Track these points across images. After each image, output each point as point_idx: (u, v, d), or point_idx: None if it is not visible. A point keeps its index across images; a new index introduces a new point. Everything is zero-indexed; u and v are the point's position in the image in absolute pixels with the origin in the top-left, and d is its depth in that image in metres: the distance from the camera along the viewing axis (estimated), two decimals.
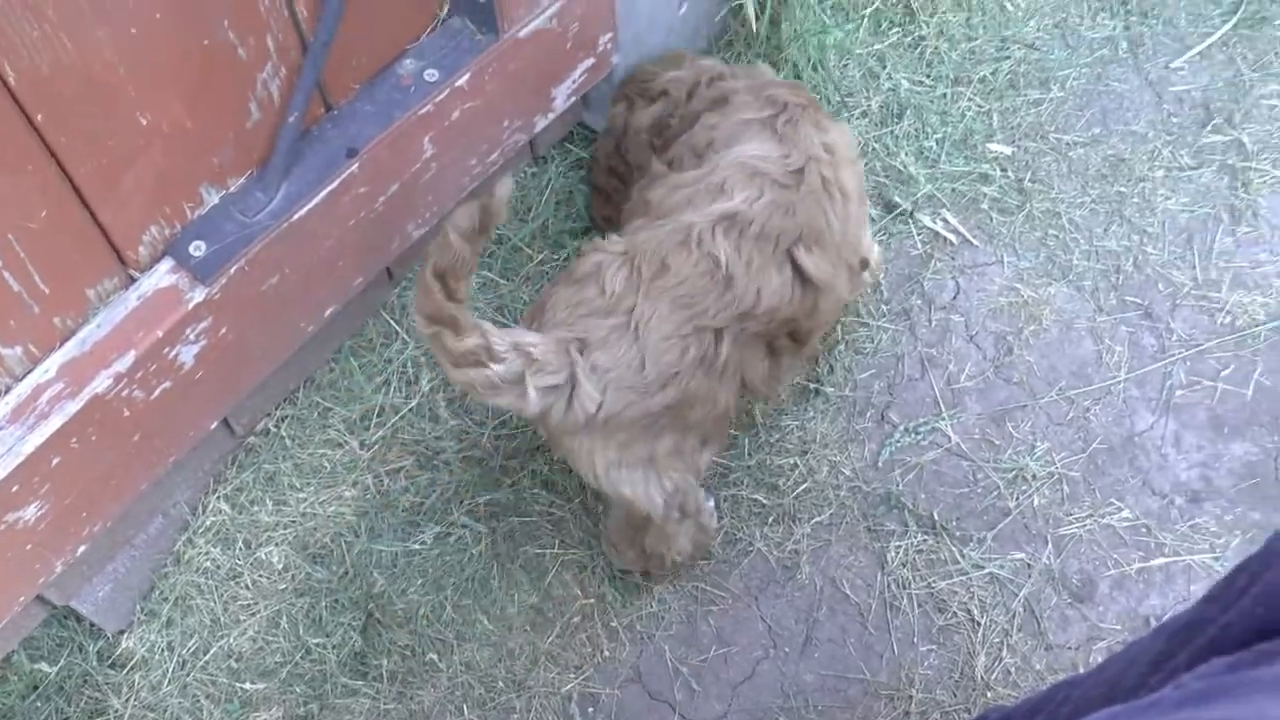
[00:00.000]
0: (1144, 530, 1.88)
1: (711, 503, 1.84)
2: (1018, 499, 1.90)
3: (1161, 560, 1.86)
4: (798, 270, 1.52)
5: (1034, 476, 1.92)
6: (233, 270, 1.50)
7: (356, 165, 1.60)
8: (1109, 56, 2.33)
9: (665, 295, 1.43)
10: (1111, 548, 1.87)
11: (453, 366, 1.37)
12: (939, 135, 2.20)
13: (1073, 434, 1.96)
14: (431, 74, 1.68)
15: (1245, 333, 2.03)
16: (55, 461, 1.45)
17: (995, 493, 1.91)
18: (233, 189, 1.55)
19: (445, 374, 1.42)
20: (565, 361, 1.40)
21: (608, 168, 1.98)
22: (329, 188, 1.58)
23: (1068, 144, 2.22)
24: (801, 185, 1.54)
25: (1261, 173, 2.19)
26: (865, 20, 2.27)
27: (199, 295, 1.49)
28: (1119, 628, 1.81)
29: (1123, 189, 2.17)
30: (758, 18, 2.06)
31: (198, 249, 1.49)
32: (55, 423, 1.42)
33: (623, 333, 1.41)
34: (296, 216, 1.55)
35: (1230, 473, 1.92)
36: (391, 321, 2.03)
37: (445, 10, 1.74)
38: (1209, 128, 2.23)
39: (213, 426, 1.70)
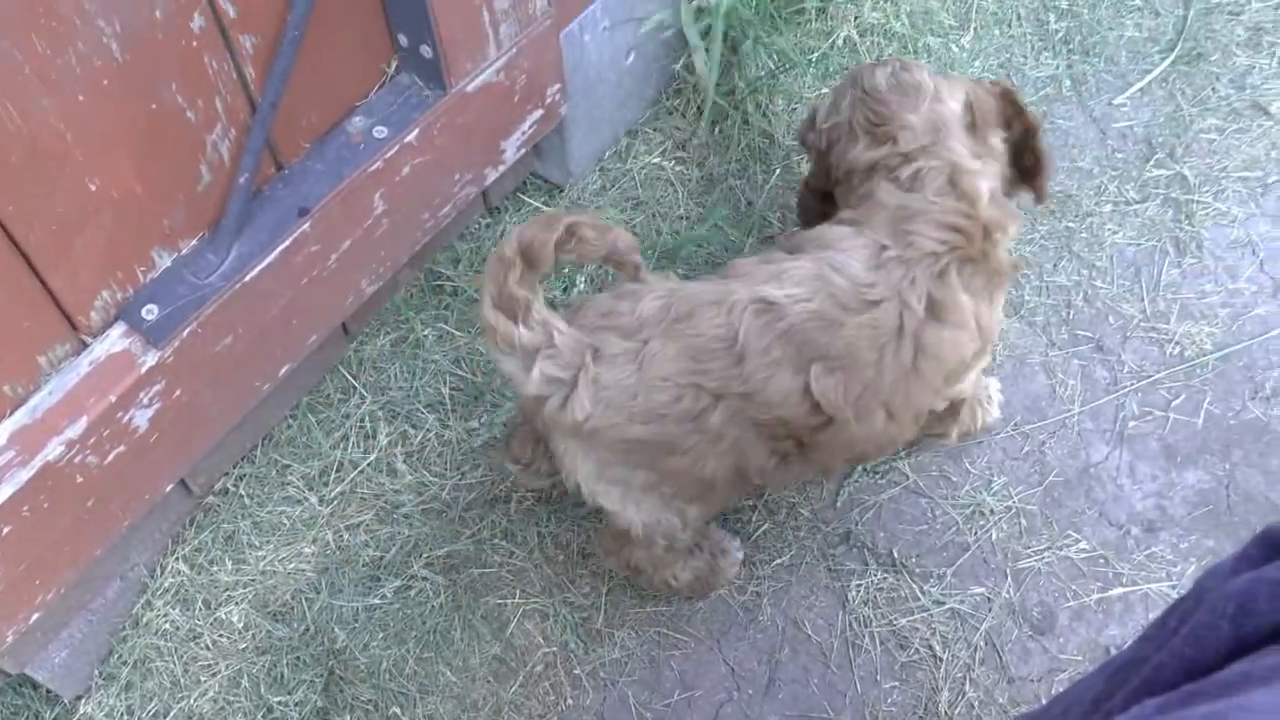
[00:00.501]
0: (1102, 561, 1.94)
1: (739, 550, 1.89)
2: (976, 534, 1.96)
3: (1120, 590, 1.91)
4: (807, 386, 1.51)
5: (992, 511, 1.97)
6: (185, 333, 1.54)
7: (308, 224, 1.65)
8: (1053, 95, 2.42)
9: (679, 340, 1.48)
10: (1070, 579, 1.92)
11: (491, 304, 1.45)
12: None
13: (1029, 468, 2.02)
14: (381, 131, 1.74)
15: (1194, 362, 2.11)
16: (6, 530, 1.48)
17: (954, 529, 1.96)
18: (185, 251, 1.60)
19: (481, 311, 1.49)
20: (577, 362, 1.46)
21: (812, 195, 1.96)
22: (281, 247, 1.62)
23: None
24: (866, 314, 1.51)
25: (1204, 205, 2.27)
26: (813, 66, 2.35)
27: (151, 359, 1.52)
28: (1080, 658, 1.86)
29: (1071, 224, 2.25)
30: (707, 66, 2.14)
31: (150, 312, 1.54)
32: (6, 491, 1.45)
33: (631, 358, 1.47)
34: (249, 277, 1.60)
35: (1184, 501, 1.99)
36: (349, 377, 2.07)
37: (393, 67, 1.80)
38: (1152, 162, 2.32)
39: (169, 489, 1.73)
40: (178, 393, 1.59)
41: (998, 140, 1.74)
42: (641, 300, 1.50)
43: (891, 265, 1.53)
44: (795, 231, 1.77)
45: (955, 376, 1.64)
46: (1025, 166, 1.79)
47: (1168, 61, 2.45)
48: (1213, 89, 2.42)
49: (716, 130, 2.27)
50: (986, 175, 1.65)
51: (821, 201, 1.89)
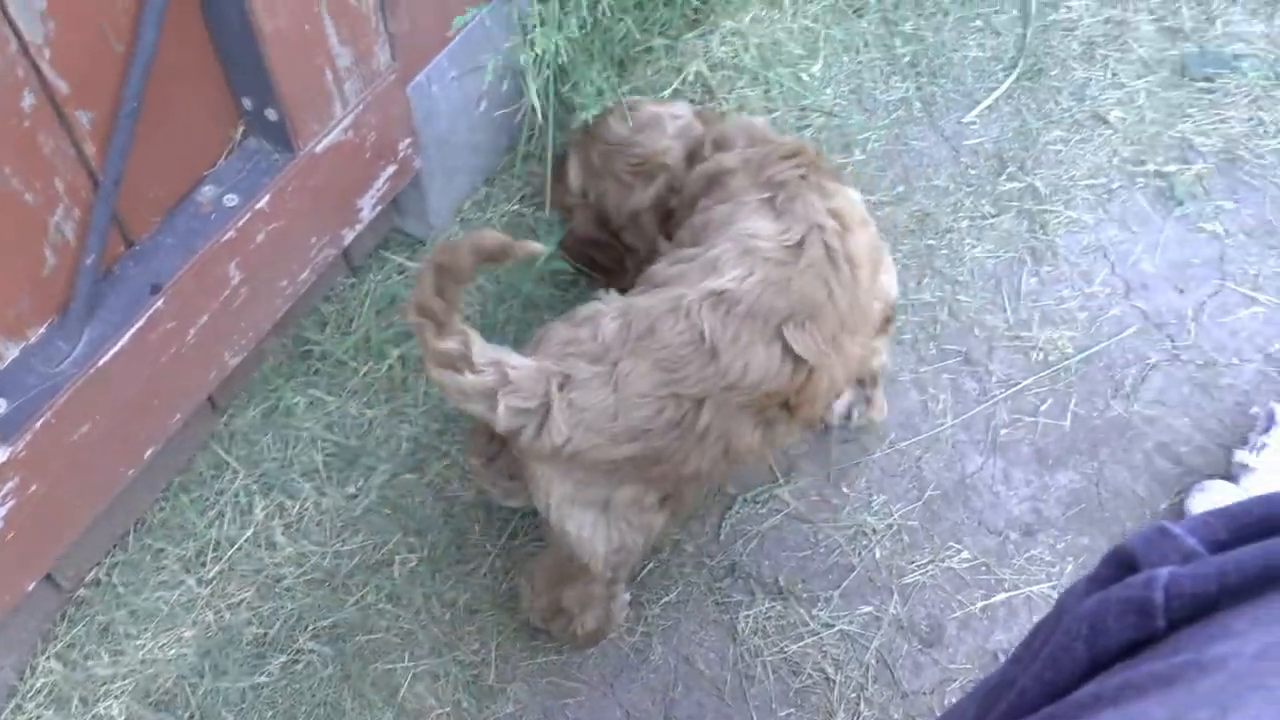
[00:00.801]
0: (984, 569, 2.01)
1: (627, 596, 1.92)
2: (860, 554, 2.02)
3: (1003, 595, 1.99)
4: (788, 348, 1.58)
5: (874, 530, 2.04)
6: (38, 424, 1.52)
7: (162, 301, 1.64)
8: (905, 117, 2.52)
9: (648, 356, 1.52)
10: (955, 590, 1.99)
11: (433, 364, 1.49)
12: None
13: (907, 484, 2.09)
14: (231, 199, 1.74)
15: (1058, 367, 2.21)
16: None
17: (838, 551, 2.02)
18: (33, 340, 1.57)
19: (428, 372, 1.53)
20: (541, 390, 1.50)
21: (588, 244, 2.10)
22: (135, 327, 1.61)
23: (875, 204, 2.38)
24: (800, 259, 1.61)
25: (1056, 214, 2.38)
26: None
27: (2, 455, 1.50)
28: (970, 666, 1.92)
29: (931, 242, 2.34)
30: (544, 114, 2.17)
31: None
32: None
33: (604, 380, 1.51)
34: (103, 361, 1.58)
35: (1058, 502, 2.08)
36: (220, 452, 2.06)
37: (240, 132, 1.80)
38: (1004, 176, 2.43)
39: (31, 587, 1.69)
40: (33, 487, 1.56)
41: None
42: (600, 324, 1.56)
43: (784, 204, 1.67)
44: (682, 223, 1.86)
45: (878, 269, 1.77)
46: None
47: (1011, 78, 2.57)
48: (1055, 102, 2.54)
49: None
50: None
51: (595, 248, 2.09)
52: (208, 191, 1.74)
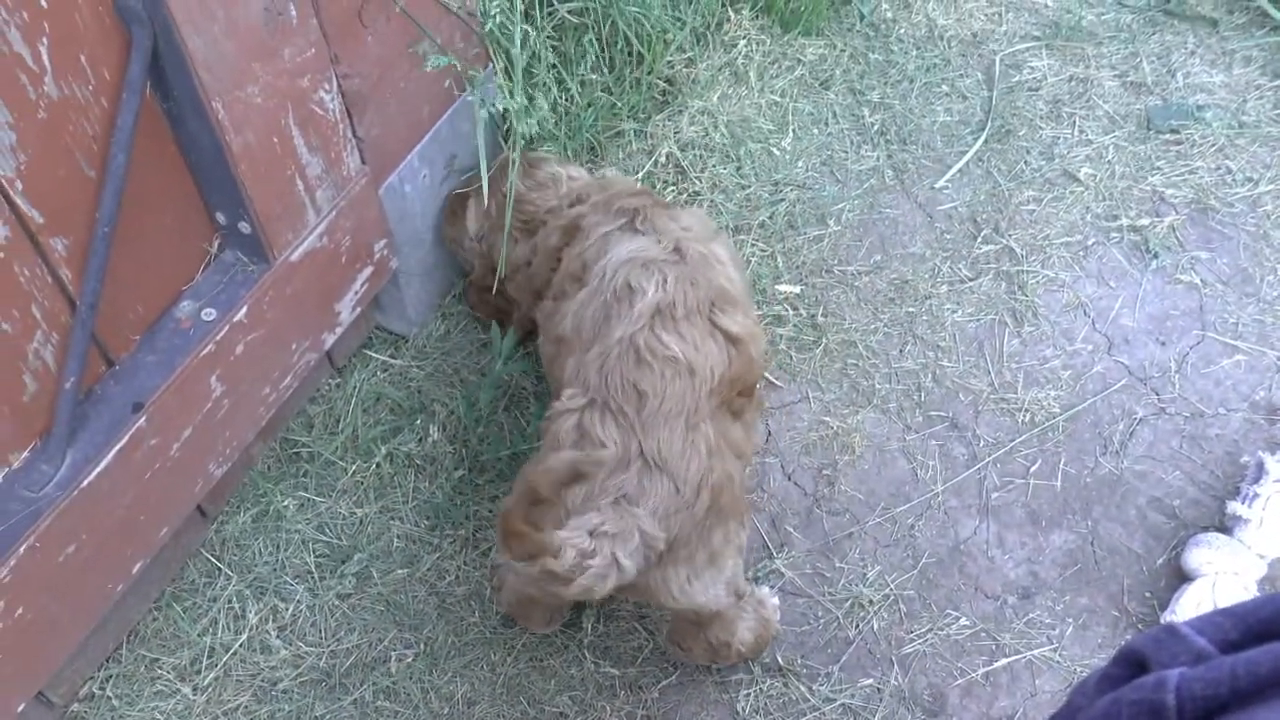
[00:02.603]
0: (983, 635, 2.00)
1: (776, 598, 1.96)
2: (858, 626, 2.01)
3: (1004, 661, 1.98)
4: (724, 332, 1.65)
5: (870, 602, 2.03)
6: (22, 550, 1.53)
7: (144, 419, 1.66)
8: (877, 185, 2.55)
9: (656, 418, 1.55)
10: (955, 657, 1.98)
11: (566, 586, 1.46)
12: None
13: (901, 553, 2.09)
14: (209, 313, 1.77)
15: (1045, 426, 2.22)
16: None
17: (835, 624, 2.01)
18: (15, 465, 1.59)
19: (560, 596, 1.53)
20: (631, 522, 1.51)
21: (484, 291, 2.19)
22: (118, 447, 1.63)
23: (853, 274, 2.41)
24: (687, 258, 1.70)
25: (1033, 274, 2.41)
26: (640, 183, 2.45)
27: None
28: None
29: (911, 309, 2.36)
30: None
31: None
32: None
33: (648, 472, 1.54)
34: (86, 482, 1.60)
35: (1054, 563, 2.07)
36: (212, 559, 2.07)
37: (216, 245, 1.84)
38: (979, 239, 2.46)
39: (21, 708, 1.69)
40: (19, 611, 1.57)
41: None
42: (595, 432, 1.56)
43: (644, 224, 1.78)
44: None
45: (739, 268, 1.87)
46: None
47: (980, 141, 2.61)
48: (1025, 162, 2.58)
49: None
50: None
51: (488, 295, 2.18)
52: (186, 307, 1.77)
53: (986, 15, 2.87)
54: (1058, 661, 1.97)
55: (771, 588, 2.02)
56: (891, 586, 2.05)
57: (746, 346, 1.68)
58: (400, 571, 2.07)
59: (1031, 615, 2.02)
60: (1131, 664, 0.92)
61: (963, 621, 2.02)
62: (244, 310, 1.78)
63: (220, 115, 1.61)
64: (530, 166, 2.09)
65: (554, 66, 2.20)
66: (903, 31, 2.82)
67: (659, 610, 1.96)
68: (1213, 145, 2.59)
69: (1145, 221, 2.48)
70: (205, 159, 1.68)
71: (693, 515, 1.57)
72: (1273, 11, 2.76)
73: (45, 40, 1.40)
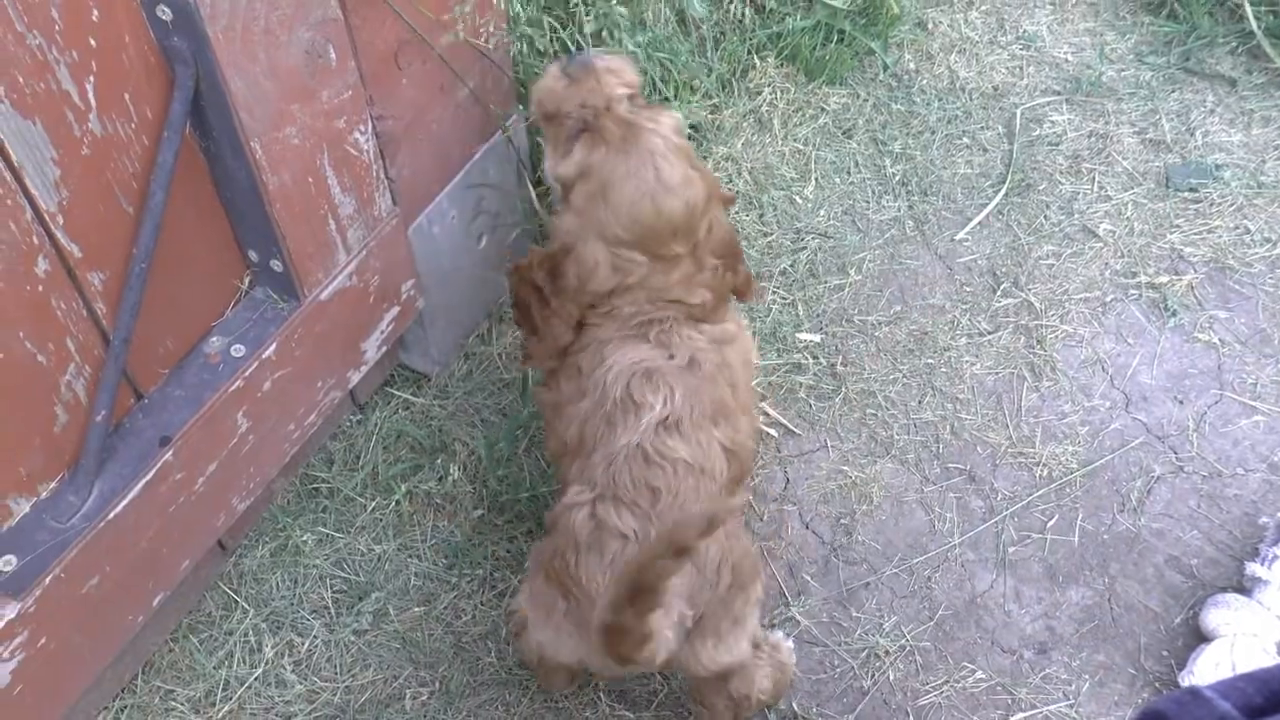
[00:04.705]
0: (999, 689, 2.00)
1: (790, 642, 1.98)
2: (873, 676, 2.01)
3: (1020, 715, 1.97)
4: (721, 444, 1.67)
5: (886, 652, 2.03)
6: (48, 580, 1.54)
7: (171, 453, 1.67)
8: (898, 236, 2.57)
9: (672, 510, 1.58)
10: (970, 711, 1.98)
11: (632, 665, 1.53)
12: (749, 330, 2.38)
13: (918, 604, 2.09)
14: (238, 349, 1.78)
15: (1063, 481, 2.22)
16: None
17: (850, 674, 2.01)
18: (44, 495, 1.60)
19: (616, 669, 1.59)
20: (672, 601, 1.56)
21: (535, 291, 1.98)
22: (144, 479, 1.64)
23: (872, 324, 2.42)
24: (696, 371, 1.68)
25: (1052, 328, 2.42)
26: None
27: (11, 611, 1.52)
28: None
29: (930, 360, 2.37)
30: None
31: (8, 564, 1.54)
32: None
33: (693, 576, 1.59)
34: (113, 514, 1.61)
35: (1070, 619, 2.07)
36: (229, 592, 2.07)
37: (246, 282, 1.86)
38: (999, 292, 2.47)
39: None
40: (43, 641, 1.58)
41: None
42: (611, 522, 1.58)
43: (661, 337, 1.69)
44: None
45: (753, 366, 1.87)
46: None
47: (1000, 194, 2.63)
48: (1044, 216, 2.60)
49: None
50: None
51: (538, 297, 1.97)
52: (215, 342, 1.79)
53: (1008, 69, 2.90)
54: (1073, 718, 1.97)
55: (787, 635, 2.02)
56: (908, 637, 2.05)
57: (737, 456, 1.71)
58: (417, 609, 2.07)
59: (1048, 670, 2.02)
60: None
61: (979, 675, 2.02)
62: (273, 347, 1.80)
63: (258, 155, 1.64)
64: None
65: None
66: (925, 83, 2.85)
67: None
68: (1231, 205, 2.60)
69: (1164, 279, 2.49)
70: (241, 197, 1.70)
71: (717, 594, 1.61)
72: None
73: (92, 78, 1.42)
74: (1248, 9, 2.86)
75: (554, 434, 1.79)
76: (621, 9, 2.27)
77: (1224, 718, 0.88)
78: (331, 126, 1.76)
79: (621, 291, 1.69)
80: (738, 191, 2.56)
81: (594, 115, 1.67)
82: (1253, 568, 2.02)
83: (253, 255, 1.82)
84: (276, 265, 1.80)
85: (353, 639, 2.04)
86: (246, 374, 1.77)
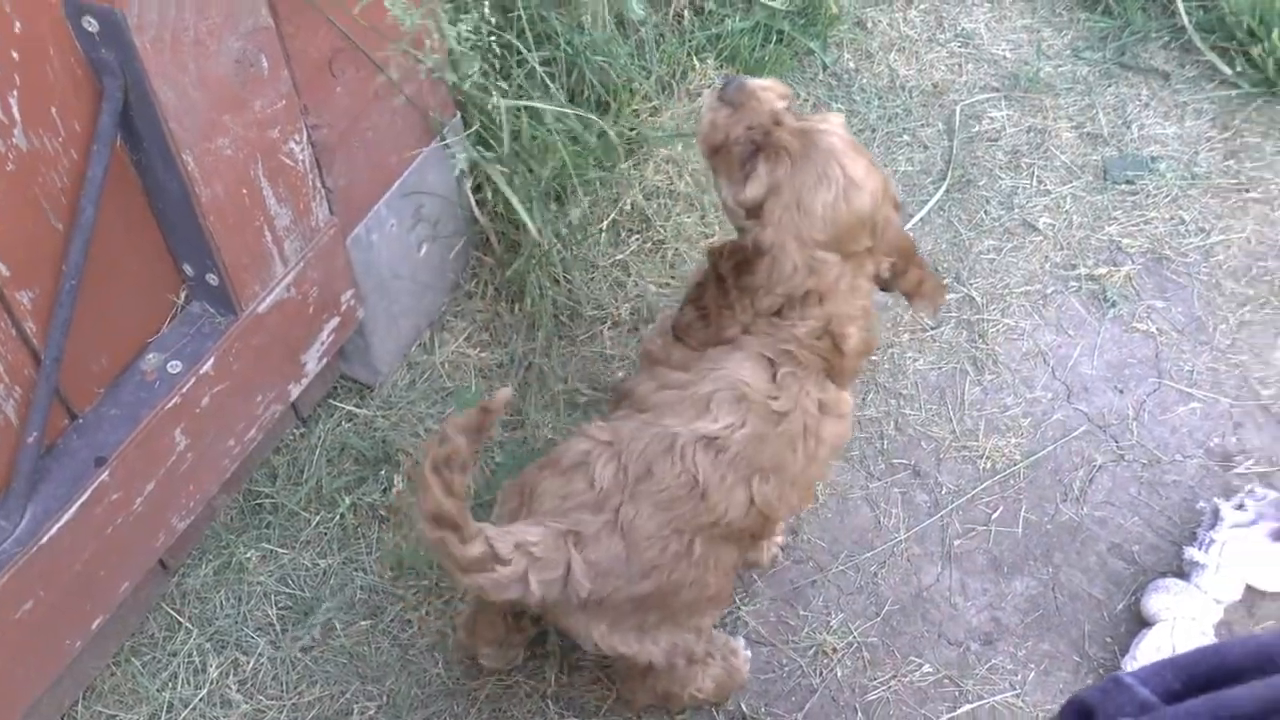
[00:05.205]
0: (946, 681, 2.03)
1: (745, 647, 2.00)
2: (821, 674, 2.04)
3: (968, 707, 2.01)
4: (751, 496, 1.68)
5: (834, 649, 2.06)
6: None
7: (107, 473, 1.66)
8: None
9: (649, 499, 1.61)
10: (919, 704, 2.01)
11: (461, 573, 1.48)
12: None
13: (865, 600, 2.12)
14: (175, 365, 1.78)
15: (1006, 473, 2.26)
16: None
17: (799, 672, 2.04)
18: None
19: (454, 580, 1.55)
20: (563, 556, 1.56)
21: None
22: (79, 501, 1.63)
23: None
24: (781, 425, 1.68)
25: (994, 322, 2.46)
26: (604, 233, 2.48)
27: None
28: None
29: (873, 357, 2.40)
30: (499, 242, 2.25)
31: None
32: None
33: (611, 530, 1.59)
34: (46, 538, 1.60)
35: (1016, 610, 2.11)
36: (172, 612, 2.06)
37: (182, 297, 1.85)
38: None
39: None
40: None
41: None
42: (594, 470, 1.62)
43: (786, 379, 1.70)
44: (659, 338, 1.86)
45: (834, 453, 1.84)
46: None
47: (941, 191, 2.67)
48: (985, 212, 2.64)
49: (517, 309, 2.37)
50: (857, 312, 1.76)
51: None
52: (151, 359, 1.78)
53: (947, 66, 2.94)
54: (1020, 707, 2.00)
55: (746, 644, 2.04)
56: (855, 634, 2.08)
57: (763, 515, 1.72)
58: (363, 623, 2.07)
59: (994, 661, 2.05)
60: (1079, 715, 0.95)
61: (926, 668, 2.05)
62: (210, 362, 1.79)
63: (190, 167, 1.63)
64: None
65: (520, 115, 2.23)
66: (865, 81, 2.88)
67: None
68: (1167, 196, 2.66)
69: (1103, 271, 2.54)
70: (173, 211, 1.70)
71: (630, 590, 1.61)
72: (1221, 65, 2.85)
73: (16, 93, 1.42)
74: (1179, 4, 2.93)
75: (632, 378, 1.83)
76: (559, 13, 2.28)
77: (1144, 704, 0.91)
78: (265, 136, 1.75)
79: (807, 303, 1.69)
80: (679, 193, 2.58)
81: (764, 134, 1.67)
82: (1191, 552, 2.07)
83: (188, 269, 1.81)
84: (212, 279, 1.79)
85: (299, 655, 2.04)
86: (184, 390, 1.76)
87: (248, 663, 2.03)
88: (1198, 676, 0.93)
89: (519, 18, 2.21)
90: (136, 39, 1.46)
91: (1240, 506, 2.11)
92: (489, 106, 2.12)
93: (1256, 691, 0.86)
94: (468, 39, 1.97)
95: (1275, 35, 2.73)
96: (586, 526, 1.58)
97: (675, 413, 1.67)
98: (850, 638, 2.07)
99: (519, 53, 2.21)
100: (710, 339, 1.75)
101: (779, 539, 2.15)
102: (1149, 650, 2.01)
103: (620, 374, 2.34)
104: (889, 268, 1.75)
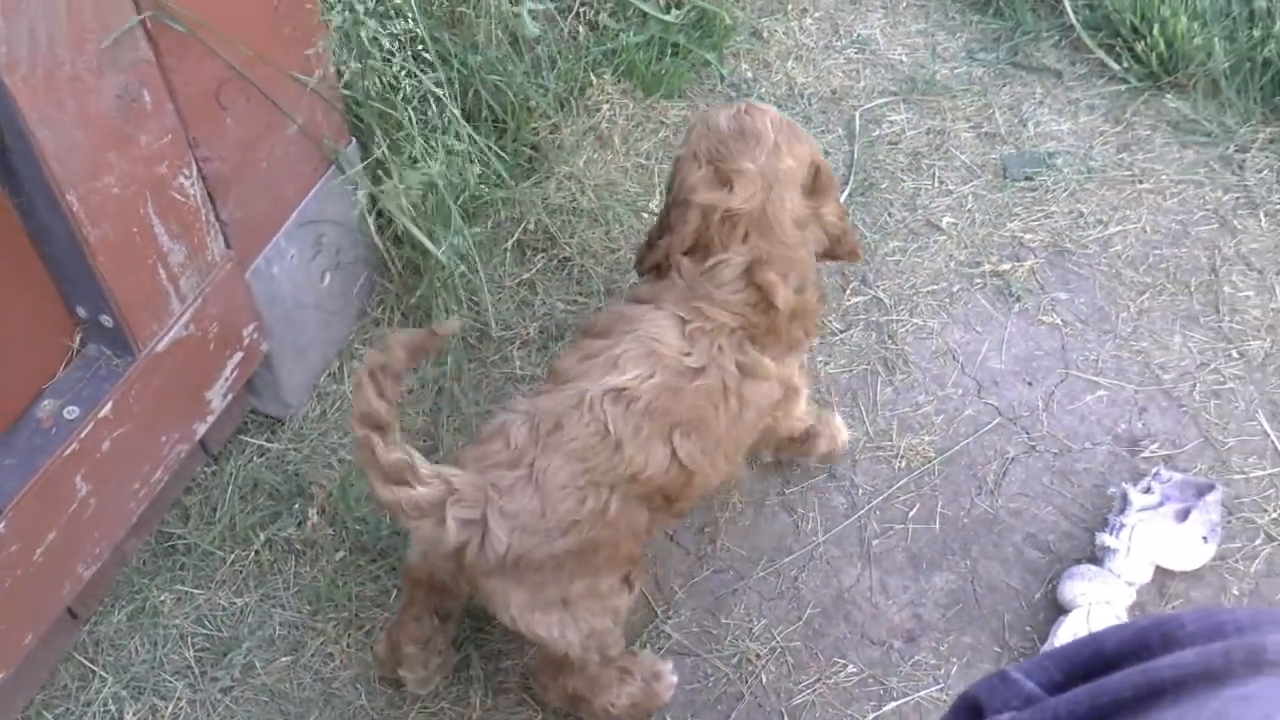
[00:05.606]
0: (871, 680, 2.06)
1: (672, 672, 2.00)
2: (747, 681, 2.06)
3: (893, 704, 2.04)
4: (675, 453, 1.71)
5: (758, 656, 2.08)
6: None
7: (3, 524, 1.64)
8: None
9: (560, 450, 1.62)
10: (845, 705, 2.04)
11: (381, 481, 1.51)
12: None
13: (786, 605, 2.14)
14: (72, 410, 1.76)
15: (921, 471, 2.30)
16: None
17: (724, 680, 2.06)
18: None
19: (373, 492, 1.54)
20: (482, 498, 1.58)
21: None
22: None
23: None
24: (697, 380, 1.72)
25: (902, 322, 2.51)
26: (509, 253, 2.50)
27: None
28: None
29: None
30: (403, 267, 2.25)
31: None
32: None
33: (525, 482, 1.61)
34: None
35: (936, 605, 2.15)
36: (85, 661, 2.03)
37: (77, 340, 1.83)
38: (849, 291, 2.55)
39: None
40: None
41: (831, 208, 1.95)
42: (509, 432, 1.65)
43: (698, 335, 1.75)
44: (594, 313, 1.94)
45: (767, 415, 1.89)
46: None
47: (844, 195, 2.71)
48: (889, 214, 2.69)
49: None
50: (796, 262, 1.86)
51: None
52: (47, 405, 1.76)
53: (844, 72, 3.00)
54: (945, 701, 2.04)
55: (658, 650, 2.06)
56: (778, 639, 2.10)
57: (690, 475, 1.75)
58: (284, 660, 2.06)
59: (917, 658, 2.09)
60: (969, 711, 0.98)
61: (850, 669, 2.08)
62: (109, 406, 1.78)
63: (75, 208, 1.62)
64: (745, 111, 1.89)
65: (416, 139, 2.24)
66: (763, 90, 2.93)
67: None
68: (1065, 190, 2.73)
69: (1006, 266, 2.60)
70: (61, 253, 1.68)
71: (549, 546, 1.62)
72: (1109, 62, 2.94)
73: None
74: (1066, 4, 3.01)
75: (559, 356, 1.85)
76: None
77: (1029, 697, 0.94)
78: (153, 172, 1.75)
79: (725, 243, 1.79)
80: (582, 210, 2.60)
81: None
82: (1103, 538, 2.12)
83: (81, 311, 1.79)
84: (107, 320, 1.78)
85: (219, 697, 2.02)
86: (82, 436, 1.74)
87: (166, 708, 2.01)
88: (1078, 666, 0.96)
89: (414, 39, 2.22)
90: (7, 78, 1.45)
91: (1147, 490, 2.18)
92: (390, 130, 2.13)
93: (1131, 677, 0.89)
94: (376, 42, 1.98)
95: (1156, 31, 2.82)
96: (502, 480, 1.61)
97: (587, 376, 1.71)
98: (773, 643, 2.10)
99: (414, 75, 2.22)
100: (651, 260, 1.88)
101: (844, 431, 2.26)
102: (1067, 636, 2.05)
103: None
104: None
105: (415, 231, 2.17)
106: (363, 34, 1.95)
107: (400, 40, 2.18)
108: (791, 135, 1.87)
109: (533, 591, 1.67)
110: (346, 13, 1.87)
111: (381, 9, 2.00)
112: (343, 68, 2.03)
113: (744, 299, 1.78)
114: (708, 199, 1.81)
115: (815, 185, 1.90)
